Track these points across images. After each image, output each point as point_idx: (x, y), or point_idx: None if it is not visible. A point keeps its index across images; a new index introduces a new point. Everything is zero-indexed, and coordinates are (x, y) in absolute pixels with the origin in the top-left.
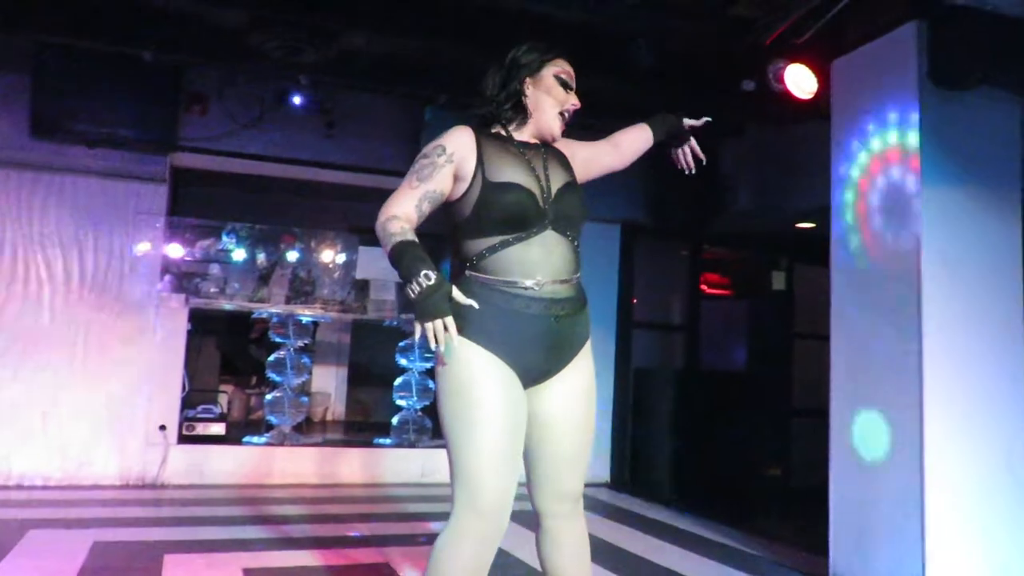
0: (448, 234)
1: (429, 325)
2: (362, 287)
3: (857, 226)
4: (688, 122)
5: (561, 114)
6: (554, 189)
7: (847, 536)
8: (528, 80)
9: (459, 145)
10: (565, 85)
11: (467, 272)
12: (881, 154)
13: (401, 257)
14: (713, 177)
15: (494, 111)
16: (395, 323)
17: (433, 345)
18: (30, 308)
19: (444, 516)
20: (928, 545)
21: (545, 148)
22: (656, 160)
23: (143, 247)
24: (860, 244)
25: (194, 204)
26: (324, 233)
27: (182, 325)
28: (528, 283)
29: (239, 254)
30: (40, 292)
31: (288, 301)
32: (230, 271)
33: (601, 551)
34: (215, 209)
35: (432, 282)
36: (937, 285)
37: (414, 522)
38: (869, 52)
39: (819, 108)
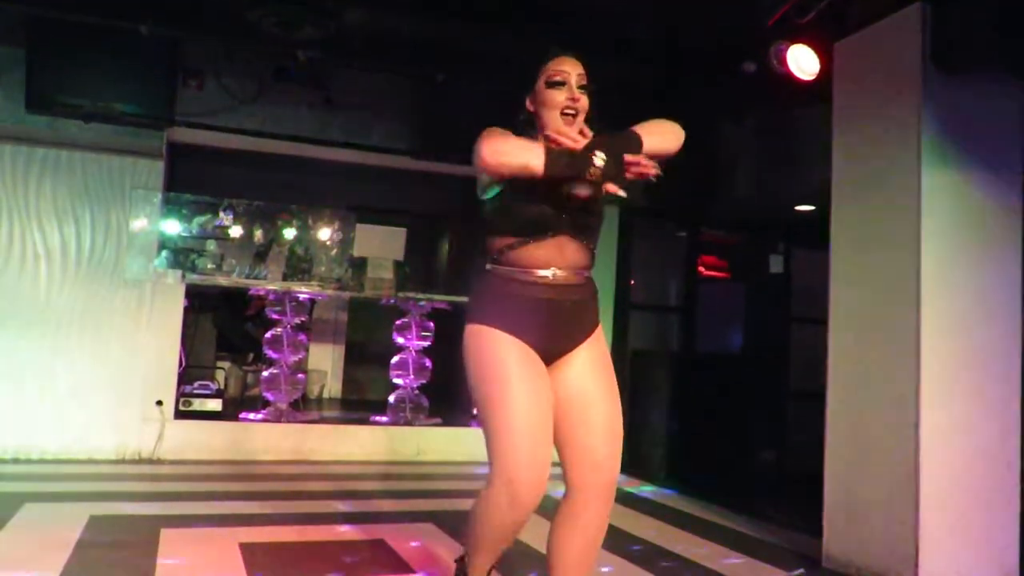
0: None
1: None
2: (359, 265)
3: (857, 209)
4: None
5: (564, 114)
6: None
7: (841, 518)
8: (529, 100)
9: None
10: (556, 84)
11: (488, 266)
12: (883, 136)
13: (556, 160)
14: (712, 159)
15: (525, 132)
16: (392, 301)
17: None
18: (26, 283)
19: (439, 493)
20: (921, 527)
21: None
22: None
23: (140, 223)
24: (860, 227)
25: (191, 180)
26: (321, 210)
27: (179, 301)
28: (544, 273)
29: (236, 231)
30: (36, 267)
31: (285, 278)
32: (227, 248)
33: None
34: (212, 185)
35: (600, 153)
36: (937, 268)
37: (410, 499)
38: (872, 33)
39: (821, 90)
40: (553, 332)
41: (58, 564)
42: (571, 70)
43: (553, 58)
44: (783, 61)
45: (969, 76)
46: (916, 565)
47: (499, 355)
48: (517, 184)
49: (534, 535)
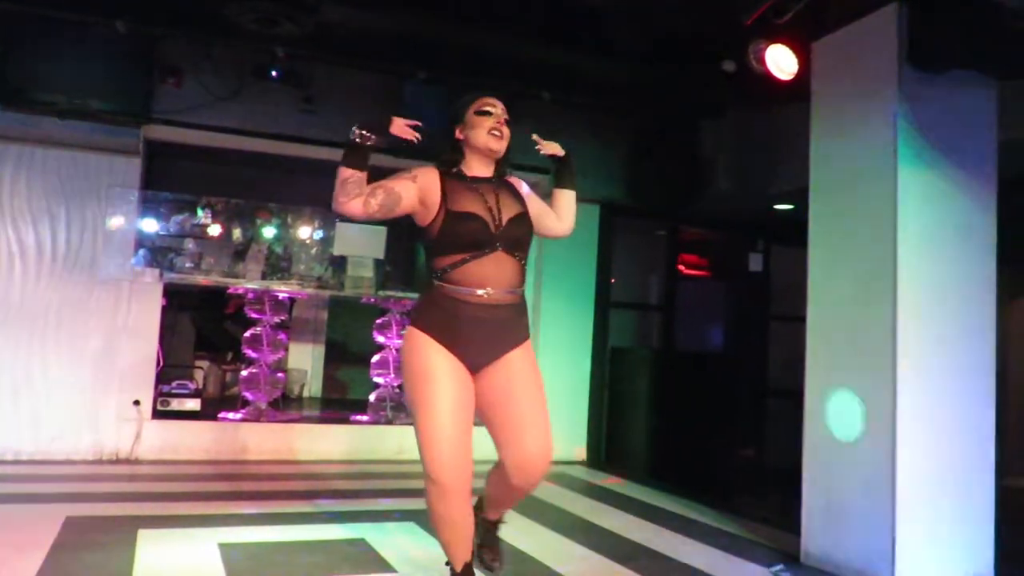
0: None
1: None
2: (339, 264)
3: (835, 208)
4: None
5: (491, 132)
6: (504, 218)
7: (819, 515)
8: (459, 129)
9: (427, 179)
10: (485, 113)
11: (434, 282)
12: (860, 135)
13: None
14: (692, 158)
15: (449, 158)
16: (372, 300)
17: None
18: (1, 282)
19: (420, 492)
20: (898, 524)
21: (499, 182)
22: (635, 141)
23: (117, 221)
24: (837, 225)
25: (169, 178)
26: (301, 209)
27: (156, 300)
28: (480, 292)
29: (214, 229)
30: (11, 265)
31: (264, 277)
32: (205, 246)
33: (577, 528)
34: (190, 183)
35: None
36: (912, 267)
37: (390, 498)
38: (850, 33)
39: (799, 89)
40: (482, 346)
41: (34, 566)
42: (498, 104)
43: (482, 96)
44: (762, 60)
45: (944, 75)
46: (893, 562)
47: (430, 365)
48: (456, 209)
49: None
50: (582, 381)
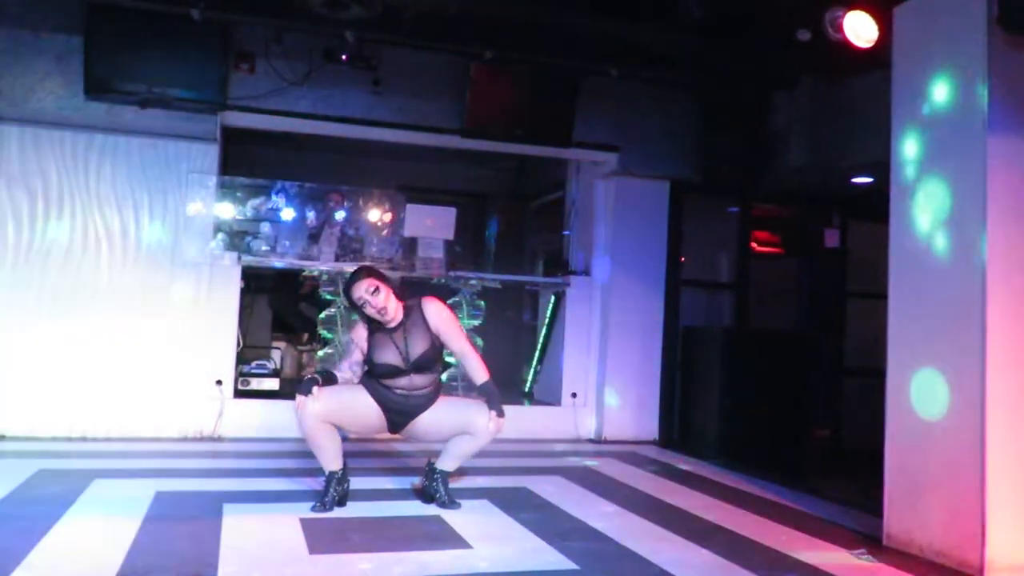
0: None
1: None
2: (410, 245)
3: (919, 179)
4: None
5: (377, 315)
6: (412, 355)
7: (902, 497)
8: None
9: (359, 334)
10: (362, 305)
11: (373, 376)
12: (946, 104)
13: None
14: (764, 132)
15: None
16: (443, 280)
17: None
18: (89, 266)
19: (492, 471)
20: (988, 507)
21: (407, 322)
22: (705, 115)
23: (196, 206)
24: (922, 198)
25: (244, 163)
26: (372, 191)
27: (235, 283)
28: (399, 391)
29: (289, 213)
30: (98, 250)
31: (337, 259)
32: (280, 229)
33: (650, 507)
34: (265, 168)
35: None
36: (1003, 240)
37: (463, 476)
38: None
39: (879, 58)
40: (398, 415)
41: (127, 537)
42: (365, 297)
43: (349, 290)
44: (839, 28)
45: None
46: (983, 544)
47: (361, 391)
48: (376, 360)
49: None
50: (653, 361)
